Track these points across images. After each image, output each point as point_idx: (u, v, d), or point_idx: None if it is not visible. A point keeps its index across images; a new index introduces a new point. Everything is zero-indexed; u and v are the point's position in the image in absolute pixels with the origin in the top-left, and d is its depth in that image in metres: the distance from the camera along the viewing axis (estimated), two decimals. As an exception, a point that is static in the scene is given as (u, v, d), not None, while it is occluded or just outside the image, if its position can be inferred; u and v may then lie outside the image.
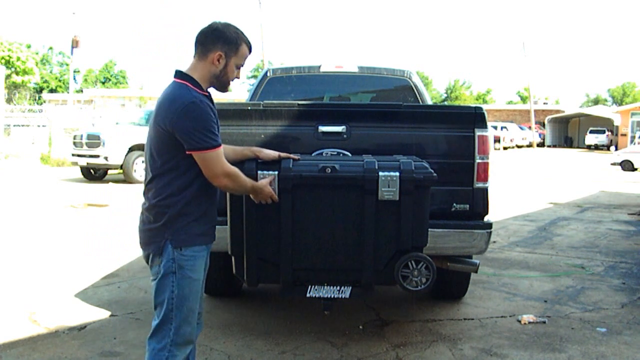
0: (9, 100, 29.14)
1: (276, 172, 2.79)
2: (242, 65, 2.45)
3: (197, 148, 2.24)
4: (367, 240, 2.88)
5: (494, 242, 6.71)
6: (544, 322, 4.09)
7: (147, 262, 2.41)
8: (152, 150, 2.34)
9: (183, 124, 2.21)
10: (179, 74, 2.36)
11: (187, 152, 2.26)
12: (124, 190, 11.69)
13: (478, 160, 3.50)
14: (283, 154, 2.89)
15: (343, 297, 3.01)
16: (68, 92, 27.50)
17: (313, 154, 3.39)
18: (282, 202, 2.83)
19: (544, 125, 44.09)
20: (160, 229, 2.31)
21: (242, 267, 2.97)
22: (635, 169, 20.38)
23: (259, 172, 2.77)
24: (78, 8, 34.41)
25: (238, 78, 2.46)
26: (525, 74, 48.52)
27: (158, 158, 2.31)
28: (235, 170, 2.38)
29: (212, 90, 2.43)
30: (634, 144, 24.00)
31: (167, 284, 2.32)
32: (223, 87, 2.44)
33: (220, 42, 2.34)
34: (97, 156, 12.78)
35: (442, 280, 4.12)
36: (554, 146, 42.98)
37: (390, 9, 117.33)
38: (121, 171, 13.03)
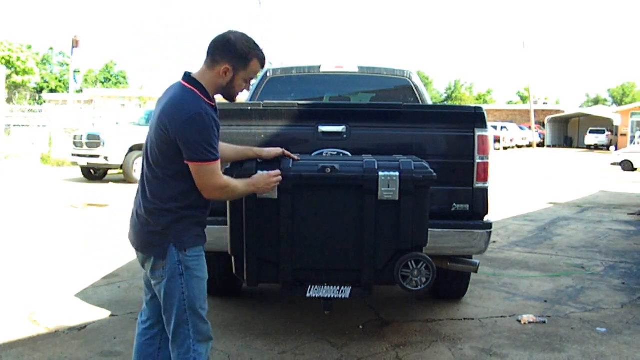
0: (9, 100, 29.12)
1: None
2: (252, 79, 2.42)
3: (194, 159, 2.23)
4: (367, 240, 2.88)
5: (494, 242, 6.71)
6: (544, 322, 4.09)
7: (144, 265, 2.40)
8: (152, 152, 2.31)
9: (186, 134, 2.20)
10: (188, 78, 2.32)
11: (184, 162, 2.25)
12: (124, 190, 11.67)
13: (478, 160, 3.50)
14: (286, 152, 2.90)
15: (343, 297, 3.00)
16: (68, 92, 27.45)
17: (313, 154, 3.39)
18: (282, 202, 2.83)
19: (544, 125, 44.06)
20: (162, 233, 2.30)
21: (242, 267, 2.97)
22: (635, 169, 20.38)
23: (259, 172, 2.77)
24: (78, 8, 34.37)
25: (248, 90, 2.45)
26: (525, 74, 48.53)
27: (159, 161, 2.29)
28: (227, 182, 2.35)
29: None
30: (634, 144, 24.01)
31: (176, 286, 2.31)
32: (229, 98, 2.43)
33: (230, 56, 2.30)
34: (97, 156, 12.77)
35: (442, 280, 4.12)
36: (554, 146, 42.95)
37: (390, 9, 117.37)
38: (121, 171, 13.02)
